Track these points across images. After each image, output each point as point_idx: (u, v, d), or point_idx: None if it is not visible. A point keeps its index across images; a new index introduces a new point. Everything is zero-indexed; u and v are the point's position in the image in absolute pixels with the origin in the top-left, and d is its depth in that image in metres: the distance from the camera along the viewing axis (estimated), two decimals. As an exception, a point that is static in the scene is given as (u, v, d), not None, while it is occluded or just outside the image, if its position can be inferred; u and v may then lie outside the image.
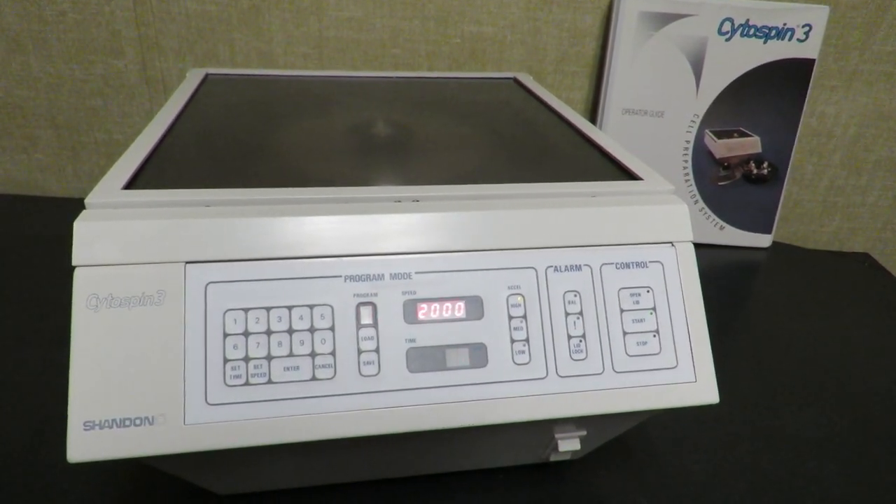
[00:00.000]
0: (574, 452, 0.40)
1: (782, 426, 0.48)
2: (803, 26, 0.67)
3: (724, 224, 0.75)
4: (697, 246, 0.75)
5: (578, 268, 0.33)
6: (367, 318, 0.31)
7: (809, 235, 0.85)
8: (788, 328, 0.61)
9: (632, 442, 0.46)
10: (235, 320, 0.29)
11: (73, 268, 0.29)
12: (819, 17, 0.67)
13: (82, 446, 0.28)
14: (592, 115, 0.78)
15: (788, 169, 0.73)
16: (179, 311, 0.29)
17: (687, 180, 0.74)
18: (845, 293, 0.68)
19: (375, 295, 0.31)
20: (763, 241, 0.76)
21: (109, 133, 0.77)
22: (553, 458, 0.40)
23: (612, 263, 0.34)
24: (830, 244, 0.85)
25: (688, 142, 0.72)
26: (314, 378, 0.30)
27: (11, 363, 0.49)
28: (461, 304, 0.32)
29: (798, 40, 0.68)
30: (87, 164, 0.79)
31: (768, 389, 0.52)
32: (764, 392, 0.52)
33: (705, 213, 0.75)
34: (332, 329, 0.30)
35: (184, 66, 0.74)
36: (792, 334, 0.60)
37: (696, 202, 0.75)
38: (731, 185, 0.74)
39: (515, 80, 0.62)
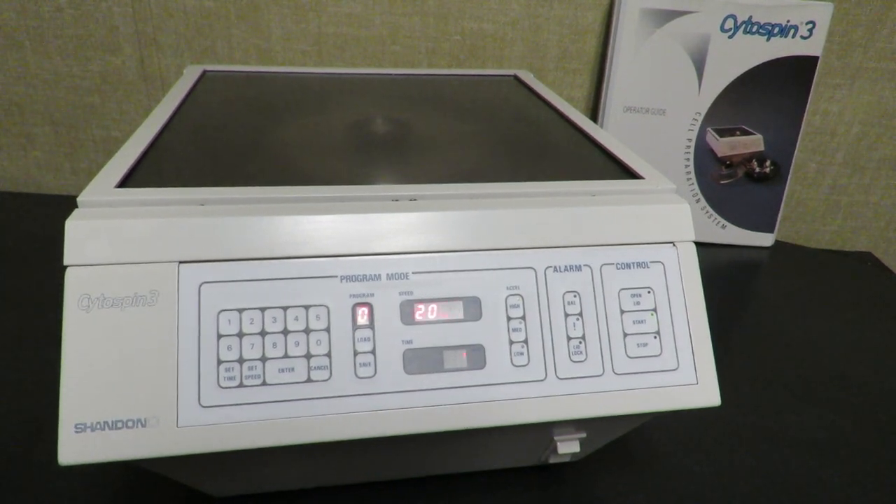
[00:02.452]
0: (573, 454, 0.40)
1: (784, 427, 0.48)
2: (807, 23, 0.67)
3: (726, 223, 0.75)
4: (699, 245, 0.75)
5: (578, 268, 0.33)
6: (363, 318, 0.30)
7: (812, 234, 0.84)
8: (790, 328, 0.61)
9: (632, 443, 0.45)
10: (230, 321, 0.29)
11: (65, 267, 0.28)
12: (823, 14, 0.66)
13: (74, 449, 0.27)
14: (593, 113, 0.77)
15: (791, 167, 0.72)
16: (173, 312, 0.29)
17: (689, 179, 0.74)
18: (848, 293, 0.68)
19: (372, 295, 0.30)
20: (765, 240, 0.75)
21: (107, 130, 0.76)
22: (552, 460, 0.40)
23: (613, 264, 0.33)
24: (833, 243, 0.85)
25: (690, 140, 0.72)
26: (309, 380, 0.29)
27: (6, 362, 0.49)
28: (459, 304, 0.31)
29: (801, 37, 0.67)
30: (84, 161, 0.78)
31: (770, 390, 0.52)
32: (765, 393, 0.52)
33: (707, 211, 0.75)
34: (327, 330, 0.30)
35: (182, 62, 0.73)
36: (794, 334, 0.60)
37: (698, 201, 0.74)
38: (733, 184, 0.74)
39: (516, 78, 0.62)
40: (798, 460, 0.45)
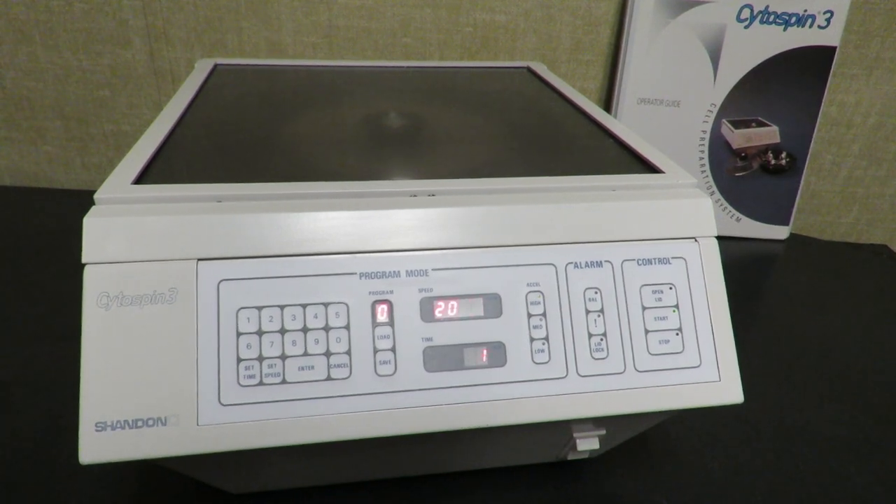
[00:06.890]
0: (592, 451, 0.40)
1: (803, 423, 0.48)
2: (824, 13, 0.66)
3: (741, 216, 0.74)
4: (713, 238, 0.74)
5: (599, 264, 0.32)
6: (382, 316, 0.30)
7: (827, 227, 0.83)
8: (806, 321, 0.60)
9: (650, 439, 0.45)
10: (249, 319, 0.29)
11: (84, 265, 0.28)
12: (841, 2, 0.65)
13: (94, 448, 0.27)
14: (607, 105, 0.76)
15: (807, 159, 0.72)
16: (192, 310, 0.28)
17: (703, 171, 0.73)
18: (863, 286, 0.67)
19: (391, 292, 0.30)
20: (780, 232, 0.75)
21: (117, 124, 0.76)
22: (571, 456, 0.39)
23: (634, 259, 0.33)
24: (849, 236, 0.84)
25: (704, 132, 0.71)
26: (329, 378, 0.29)
27: (22, 358, 0.49)
28: (479, 301, 0.31)
29: (819, 27, 0.66)
30: (95, 155, 0.78)
31: (787, 384, 0.51)
32: (783, 387, 0.51)
33: (722, 204, 0.74)
34: (347, 328, 0.29)
35: (192, 56, 0.73)
36: (810, 327, 0.59)
37: (713, 193, 0.74)
38: (748, 176, 0.73)
39: (529, 70, 0.61)
40: (817, 457, 0.45)
